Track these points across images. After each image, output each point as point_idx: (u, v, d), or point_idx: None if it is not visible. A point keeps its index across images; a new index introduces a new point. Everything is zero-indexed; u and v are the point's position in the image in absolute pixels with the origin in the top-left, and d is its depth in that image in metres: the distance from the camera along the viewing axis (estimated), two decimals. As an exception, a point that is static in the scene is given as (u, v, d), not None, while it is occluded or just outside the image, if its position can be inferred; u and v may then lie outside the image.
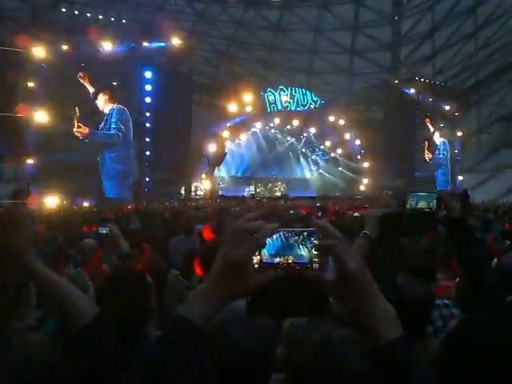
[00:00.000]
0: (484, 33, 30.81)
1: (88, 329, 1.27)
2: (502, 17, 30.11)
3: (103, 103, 22.73)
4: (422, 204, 1.54)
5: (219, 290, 0.83)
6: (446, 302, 2.12)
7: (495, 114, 31.75)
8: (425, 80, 29.94)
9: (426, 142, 28.66)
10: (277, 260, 0.85)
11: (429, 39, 32.16)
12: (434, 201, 1.54)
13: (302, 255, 0.84)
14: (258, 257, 0.84)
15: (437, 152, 30.02)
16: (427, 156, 28.91)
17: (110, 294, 1.71)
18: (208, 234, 5.54)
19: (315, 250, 0.83)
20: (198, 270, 3.56)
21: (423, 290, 1.76)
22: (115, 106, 22.91)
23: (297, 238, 0.85)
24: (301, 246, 0.85)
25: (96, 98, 22.46)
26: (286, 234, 0.86)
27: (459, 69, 31.98)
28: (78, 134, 21.41)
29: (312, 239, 0.84)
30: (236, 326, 1.17)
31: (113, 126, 22.85)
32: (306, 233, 0.85)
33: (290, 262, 0.84)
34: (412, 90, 28.65)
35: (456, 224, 1.56)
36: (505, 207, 13.07)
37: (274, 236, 0.85)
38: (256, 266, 0.83)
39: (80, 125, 21.36)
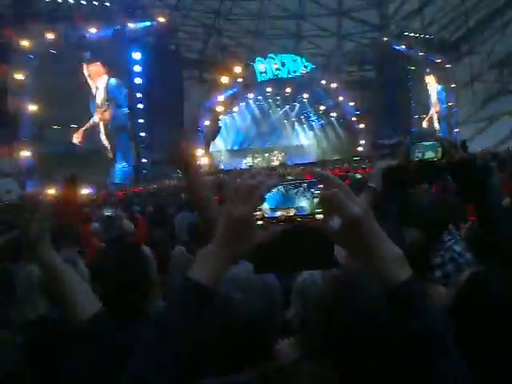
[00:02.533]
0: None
1: (84, 327, 1.27)
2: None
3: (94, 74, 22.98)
4: (428, 154, 1.51)
5: (226, 249, 0.83)
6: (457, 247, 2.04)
7: (487, 62, 31.37)
8: (414, 34, 29.62)
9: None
10: (278, 214, 0.84)
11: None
12: (439, 149, 1.49)
13: (302, 207, 0.84)
14: (259, 212, 0.84)
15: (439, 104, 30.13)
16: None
17: (102, 267, 1.65)
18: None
19: (318, 201, 0.82)
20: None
21: (419, 238, 1.69)
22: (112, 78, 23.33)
23: (296, 190, 0.85)
24: (301, 198, 0.84)
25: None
26: (286, 187, 0.85)
27: (448, 20, 31.49)
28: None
29: (312, 190, 0.84)
30: (234, 288, 1.14)
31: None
32: (305, 184, 0.85)
33: (291, 214, 0.84)
34: (402, 46, 28.38)
35: (459, 168, 1.49)
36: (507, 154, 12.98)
37: (274, 190, 0.85)
38: (259, 221, 0.83)
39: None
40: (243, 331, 1.11)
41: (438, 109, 32.04)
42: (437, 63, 30.13)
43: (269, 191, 0.83)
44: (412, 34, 29.57)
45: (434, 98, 31.95)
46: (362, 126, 28.50)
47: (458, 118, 31.31)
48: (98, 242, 4.35)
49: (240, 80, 26.06)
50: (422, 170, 1.53)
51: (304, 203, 0.83)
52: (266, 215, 0.84)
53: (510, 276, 1.06)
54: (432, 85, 31.73)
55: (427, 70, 30.63)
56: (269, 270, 0.99)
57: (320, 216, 0.82)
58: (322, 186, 0.82)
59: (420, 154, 1.51)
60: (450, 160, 1.47)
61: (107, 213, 5.05)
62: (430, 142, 1.51)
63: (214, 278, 0.82)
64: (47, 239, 1.30)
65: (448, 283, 1.71)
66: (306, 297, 1.44)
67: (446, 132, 30.53)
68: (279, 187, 0.85)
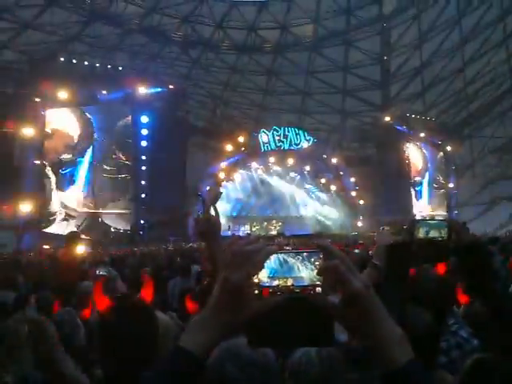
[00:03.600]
0: (472, 68, 31.58)
1: None
2: (489, 53, 30.98)
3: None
4: (433, 233, 1.48)
5: (220, 316, 0.78)
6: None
7: (487, 146, 32.05)
8: (416, 116, 30.49)
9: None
10: (275, 283, 0.81)
11: (418, 76, 32.92)
12: (446, 229, 1.48)
13: (301, 277, 0.81)
14: (256, 280, 0.80)
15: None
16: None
17: (111, 326, 1.52)
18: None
19: (317, 272, 0.79)
20: (190, 305, 3.58)
21: (430, 320, 1.63)
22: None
23: (295, 259, 0.81)
24: (300, 268, 0.80)
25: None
26: (285, 255, 0.82)
27: (449, 104, 32.55)
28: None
29: (313, 260, 0.80)
30: (231, 362, 1.11)
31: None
32: (305, 253, 0.81)
33: (288, 284, 0.80)
34: (403, 127, 29.11)
35: (470, 250, 1.48)
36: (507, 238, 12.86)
37: (272, 258, 0.81)
38: (255, 291, 0.79)
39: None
40: None
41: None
42: (436, 146, 30.74)
43: (267, 258, 0.80)
44: (413, 116, 30.40)
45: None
46: (361, 201, 28.56)
47: (457, 199, 31.43)
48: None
49: (243, 149, 26.52)
50: (426, 249, 1.50)
51: (303, 273, 0.80)
52: (263, 283, 0.81)
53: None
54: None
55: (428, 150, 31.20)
56: (263, 345, 0.90)
57: (319, 289, 0.79)
58: (323, 256, 0.79)
59: (425, 233, 1.48)
60: (459, 241, 1.46)
61: (101, 272, 4.84)
62: (437, 221, 1.51)
63: (206, 348, 0.77)
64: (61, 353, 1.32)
65: (454, 370, 1.63)
66: (301, 377, 1.36)
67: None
68: (278, 255, 0.82)
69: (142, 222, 23.69)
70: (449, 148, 31.28)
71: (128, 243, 21.61)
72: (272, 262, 0.81)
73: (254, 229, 27.94)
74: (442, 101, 32.65)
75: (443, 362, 1.83)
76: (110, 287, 4.45)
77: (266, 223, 29.10)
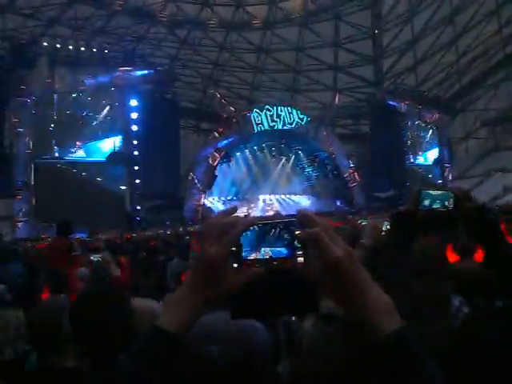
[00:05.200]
0: (464, 40, 31.30)
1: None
2: (480, 23, 30.67)
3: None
4: (438, 204, 1.46)
5: (198, 293, 0.75)
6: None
7: (481, 119, 32.04)
8: (409, 91, 30.30)
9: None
10: (253, 255, 0.78)
11: (410, 50, 32.59)
12: (451, 199, 1.45)
13: (279, 249, 0.78)
14: (233, 253, 0.77)
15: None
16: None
17: (81, 309, 1.54)
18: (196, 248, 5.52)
19: (298, 241, 0.76)
20: None
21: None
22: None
23: (274, 230, 0.78)
24: (278, 239, 0.78)
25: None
26: (262, 227, 0.79)
27: (442, 77, 32.35)
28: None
29: (292, 228, 0.76)
30: (208, 339, 1.11)
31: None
32: (282, 224, 0.77)
33: (267, 256, 0.78)
34: (397, 101, 28.92)
35: (476, 215, 1.46)
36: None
37: (249, 229, 0.78)
38: (233, 264, 0.77)
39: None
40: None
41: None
42: (430, 119, 30.66)
43: (244, 230, 0.77)
44: (406, 91, 30.20)
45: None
46: (356, 178, 28.54)
47: (451, 173, 31.52)
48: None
49: (236, 130, 26.19)
50: (432, 219, 1.48)
51: (281, 244, 0.77)
52: (241, 256, 0.78)
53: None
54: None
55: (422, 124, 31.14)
56: (246, 316, 0.85)
57: (300, 259, 0.76)
58: (303, 225, 0.76)
59: (429, 203, 1.47)
60: (464, 209, 1.44)
61: (94, 258, 4.89)
62: (441, 192, 1.48)
63: (184, 326, 0.75)
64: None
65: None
66: (299, 351, 1.33)
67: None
68: (255, 227, 0.78)
69: (137, 207, 23.41)
70: (442, 122, 31.19)
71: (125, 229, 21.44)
72: (249, 233, 0.77)
73: (250, 211, 27.79)
74: (435, 74, 32.45)
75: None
76: (103, 271, 4.63)
77: (262, 205, 28.98)
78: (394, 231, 1.58)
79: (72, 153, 23.36)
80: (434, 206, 1.46)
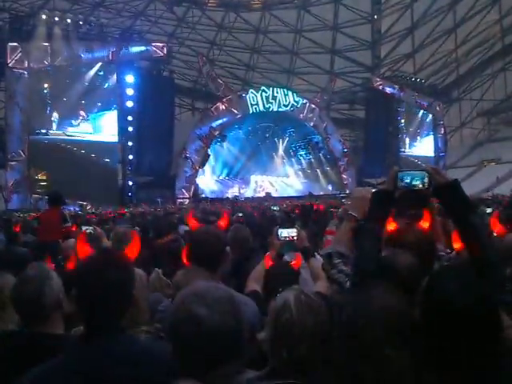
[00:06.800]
0: (463, 29, 31.14)
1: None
2: (480, 13, 30.47)
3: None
4: (415, 182, 1.54)
5: None
6: None
7: (476, 109, 32.03)
8: (406, 78, 30.22)
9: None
10: None
11: (408, 37, 32.43)
12: (427, 179, 1.53)
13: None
14: None
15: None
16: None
17: (79, 278, 1.52)
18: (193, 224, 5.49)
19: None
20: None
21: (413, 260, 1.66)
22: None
23: None
24: None
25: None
26: None
27: (439, 65, 32.25)
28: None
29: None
30: (198, 302, 1.13)
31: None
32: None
33: None
34: (393, 88, 28.87)
35: (446, 189, 1.53)
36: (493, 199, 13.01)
37: None
38: None
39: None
40: (203, 347, 1.10)
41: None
42: (426, 107, 30.60)
43: None
44: (403, 77, 30.13)
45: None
46: (349, 163, 28.61)
47: (445, 162, 31.60)
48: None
49: (231, 110, 26.19)
50: (408, 198, 1.58)
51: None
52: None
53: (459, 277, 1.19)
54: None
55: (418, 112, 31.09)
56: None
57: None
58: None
59: (407, 182, 1.56)
60: (437, 183, 1.53)
61: (87, 230, 4.94)
62: (418, 172, 1.56)
63: None
64: None
65: None
66: (277, 323, 1.38)
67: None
68: None
69: (130, 183, 23.53)
70: (437, 110, 31.15)
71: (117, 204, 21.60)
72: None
73: (242, 191, 27.94)
74: (433, 62, 32.34)
75: None
76: (95, 245, 4.68)
77: (254, 186, 29.09)
78: (374, 209, 1.62)
79: (73, 126, 23.34)
80: (413, 183, 1.55)
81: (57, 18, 23.08)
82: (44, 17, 22.76)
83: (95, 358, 1.35)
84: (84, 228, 5.07)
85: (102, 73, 23.77)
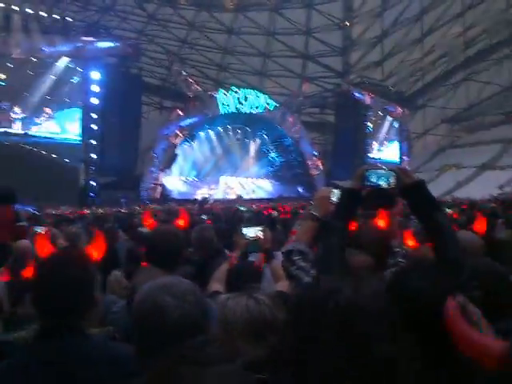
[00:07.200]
0: (429, 40, 31.99)
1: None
2: (446, 25, 31.42)
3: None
4: (381, 182, 1.57)
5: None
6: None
7: (440, 116, 33.05)
8: (374, 84, 30.83)
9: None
10: None
11: (378, 45, 33.03)
12: (393, 178, 1.55)
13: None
14: None
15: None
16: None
17: (45, 273, 1.48)
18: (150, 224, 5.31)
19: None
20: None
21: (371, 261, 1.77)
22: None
23: None
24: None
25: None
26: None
27: (406, 74, 33.04)
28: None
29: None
30: (165, 293, 1.14)
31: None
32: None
33: None
34: (361, 94, 29.36)
35: (413, 188, 1.55)
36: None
37: None
38: None
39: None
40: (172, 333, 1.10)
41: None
42: (392, 113, 31.39)
43: None
44: (371, 84, 30.72)
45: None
46: (319, 166, 28.86)
47: (408, 167, 32.39)
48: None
49: (201, 110, 25.77)
50: (374, 197, 1.60)
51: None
52: None
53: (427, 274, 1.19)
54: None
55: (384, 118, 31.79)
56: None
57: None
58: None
59: (373, 181, 1.58)
60: (403, 183, 1.56)
61: (38, 230, 4.47)
62: (385, 171, 1.58)
63: None
64: None
65: None
66: (227, 325, 1.38)
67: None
68: None
69: (92, 183, 22.64)
70: (403, 117, 32.04)
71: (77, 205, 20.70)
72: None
73: (211, 192, 27.46)
74: (400, 70, 33.09)
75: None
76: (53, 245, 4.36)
77: (224, 187, 28.70)
78: (341, 207, 1.65)
79: (36, 124, 22.17)
80: (380, 183, 1.56)
81: (16, 8, 22.05)
82: (1, 5, 21.69)
83: (49, 358, 1.32)
84: (38, 228, 4.76)
85: (71, 65, 22.83)
